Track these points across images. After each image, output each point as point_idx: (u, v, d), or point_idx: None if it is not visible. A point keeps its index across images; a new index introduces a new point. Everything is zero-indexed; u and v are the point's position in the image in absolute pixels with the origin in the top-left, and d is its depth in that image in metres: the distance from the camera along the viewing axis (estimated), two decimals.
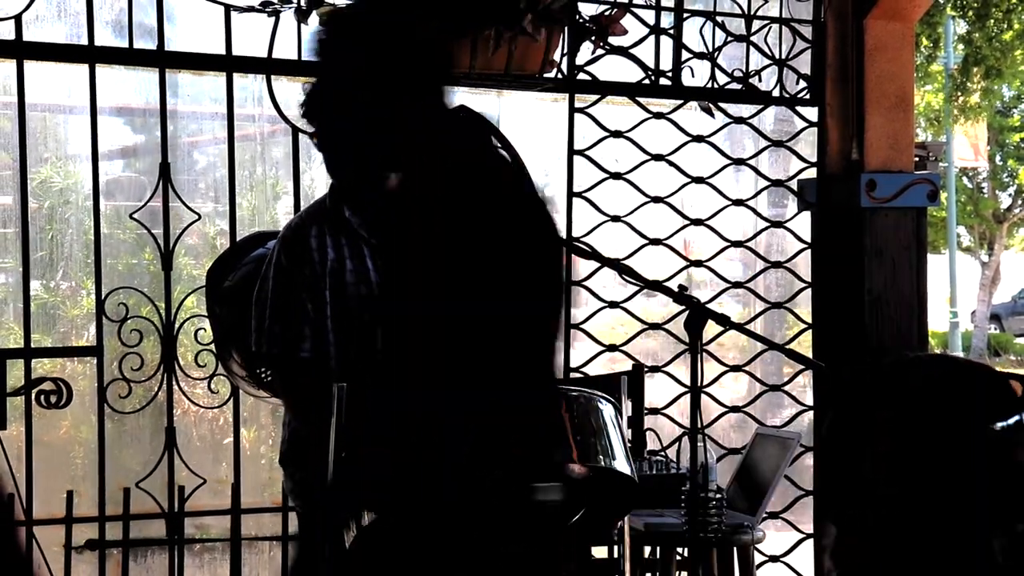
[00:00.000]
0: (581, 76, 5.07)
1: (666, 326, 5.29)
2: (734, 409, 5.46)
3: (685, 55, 5.23)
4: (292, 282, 3.43)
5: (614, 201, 5.21)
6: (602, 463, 2.92)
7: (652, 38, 5.17)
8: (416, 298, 1.88)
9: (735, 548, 4.56)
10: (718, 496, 4.31)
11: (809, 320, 5.63)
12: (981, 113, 16.89)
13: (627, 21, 4.98)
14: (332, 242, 3.43)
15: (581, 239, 5.07)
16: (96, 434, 4.53)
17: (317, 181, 5.13)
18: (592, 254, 3.57)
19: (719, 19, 5.30)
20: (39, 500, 4.46)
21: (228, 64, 4.60)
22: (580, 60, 5.04)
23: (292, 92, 4.91)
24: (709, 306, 3.09)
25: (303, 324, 3.41)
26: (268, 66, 4.61)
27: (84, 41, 4.48)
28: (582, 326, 5.19)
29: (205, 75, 4.92)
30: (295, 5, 4.53)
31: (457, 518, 3.05)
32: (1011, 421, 1.62)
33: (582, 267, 5.12)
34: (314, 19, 4.52)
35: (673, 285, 3.09)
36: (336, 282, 3.40)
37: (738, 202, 5.43)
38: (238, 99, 4.79)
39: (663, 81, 5.22)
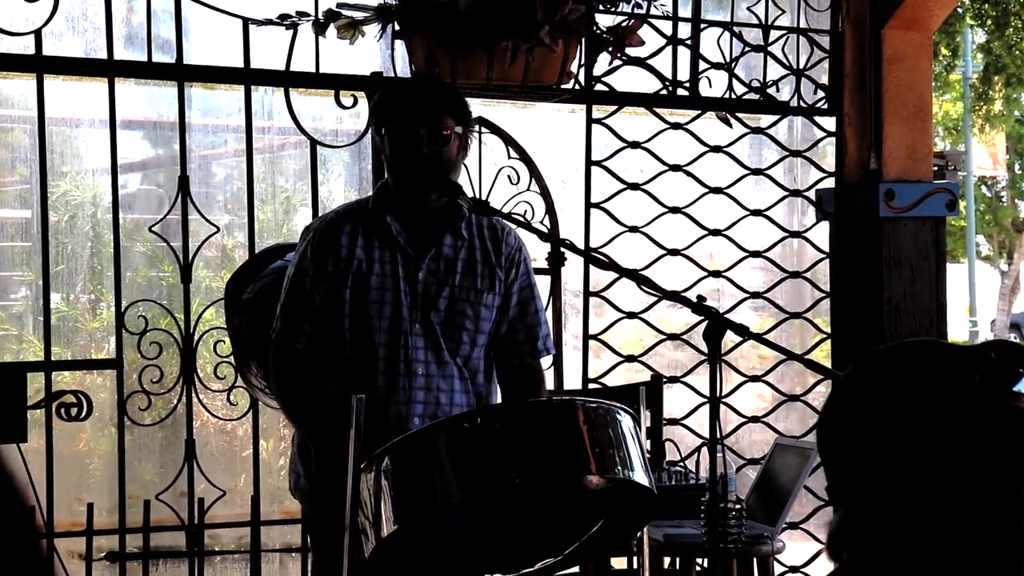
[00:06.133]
0: (598, 87, 5.07)
1: (685, 337, 5.28)
2: (753, 419, 5.45)
3: (702, 65, 5.23)
4: (309, 274, 3.43)
5: (632, 212, 5.21)
6: (620, 474, 2.91)
7: (669, 49, 5.17)
8: None
9: (755, 559, 4.54)
10: (737, 507, 4.30)
11: (828, 330, 5.61)
12: (1003, 122, 16.86)
13: (644, 32, 4.98)
14: (364, 243, 3.43)
15: (599, 250, 5.07)
16: (115, 446, 4.54)
17: (334, 193, 5.15)
18: (610, 265, 3.57)
19: (736, 29, 5.30)
20: (58, 512, 4.47)
21: (246, 77, 4.61)
22: (597, 71, 5.05)
23: (308, 105, 4.94)
24: (728, 316, 3.08)
25: (305, 318, 3.42)
26: (286, 79, 4.62)
27: (100, 55, 4.50)
28: (601, 337, 5.19)
29: (217, 88, 4.94)
30: (313, 18, 4.55)
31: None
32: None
33: (601, 278, 5.12)
34: (332, 32, 4.54)
35: (692, 296, 3.08)
36: (359, 282, 3.40)
37: (756, 212, 5.43)
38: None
39: (681, 91, 5.22)
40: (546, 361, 3.69)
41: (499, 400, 3.61)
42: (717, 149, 5.34)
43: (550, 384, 4.92)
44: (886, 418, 1.60)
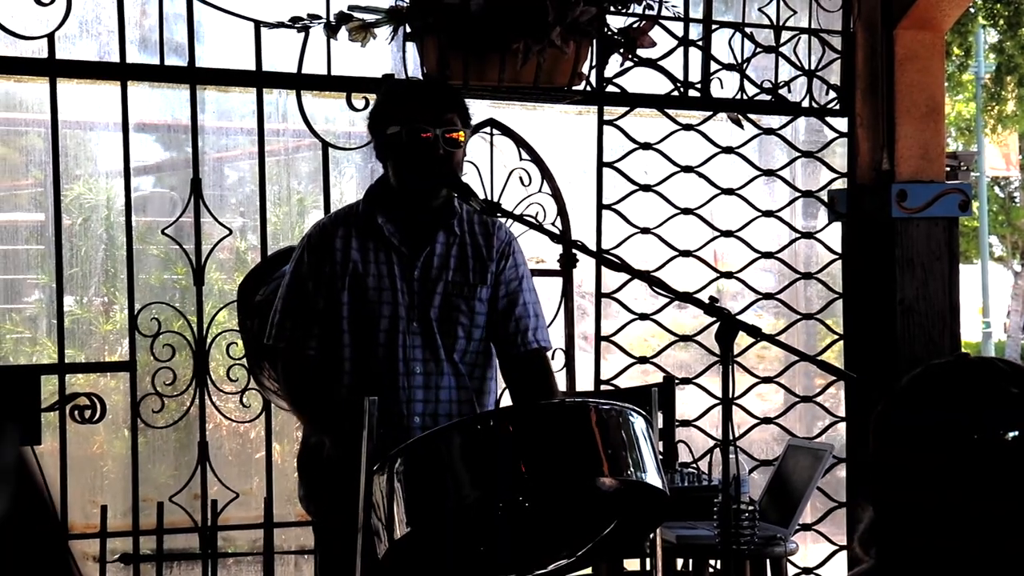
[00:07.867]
0: (610, 88, 5.07)
1: (697, 338, 5.28)
2: (766, 421, 5.45)
3: (714, 66, 5.23)
4: (309, 279, 3.44)
5: (644, 213, 5.21)
6: (633, 476, 2.91)
7: (681, 50, 5.17)
8: None
9: (768, 560, 4.54)
10: (750, 508, 4.30)
11: (840, 331, 5.61)
12: (1016, 122, 16.81)
13: (656, 33, 4.98)
14: (358, 244, 3.44)
15: (611, 251, 5.07)
16: (129, 448, 4.55)
17: (346, 195, 5.15)
18: (622, 266, 3.56)
19: (748, 30, 5.29)
20: (72, 514, 4.48)
21: (258, 80, 4.62)
22: (609, 72, 5.05)
23: (320, 107, 4.94)
24: (740, 317, 3.07)
25: (313, 322, 3.42)
26: (298, 82, 4.62)
27: (112, 58, 4.52)
28: (613, 338, 5.19)
29: (231, 91, 4.95)
30: (324, 21, 4.55)
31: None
32: None
33: (612, 279, 5.12)
34: (343, 34, 4.54)
35: (704, 297, 3.08)
36: (355, 284, 3.41)
37: (768, 213, 5.42)
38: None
39: (692, 93, 5.21)
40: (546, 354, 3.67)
41: (499, 396, 3.61)
42: (729, 150, 5.34)
43: (562, 386, 4.92)
44: (914, 424, 1.61)
